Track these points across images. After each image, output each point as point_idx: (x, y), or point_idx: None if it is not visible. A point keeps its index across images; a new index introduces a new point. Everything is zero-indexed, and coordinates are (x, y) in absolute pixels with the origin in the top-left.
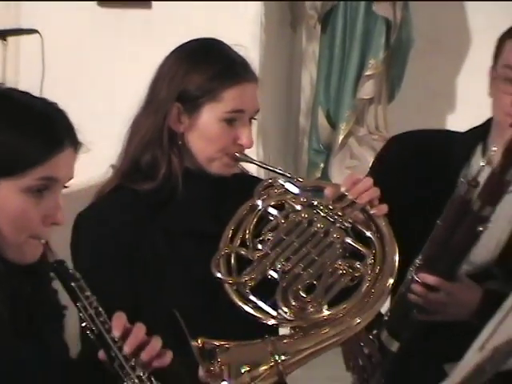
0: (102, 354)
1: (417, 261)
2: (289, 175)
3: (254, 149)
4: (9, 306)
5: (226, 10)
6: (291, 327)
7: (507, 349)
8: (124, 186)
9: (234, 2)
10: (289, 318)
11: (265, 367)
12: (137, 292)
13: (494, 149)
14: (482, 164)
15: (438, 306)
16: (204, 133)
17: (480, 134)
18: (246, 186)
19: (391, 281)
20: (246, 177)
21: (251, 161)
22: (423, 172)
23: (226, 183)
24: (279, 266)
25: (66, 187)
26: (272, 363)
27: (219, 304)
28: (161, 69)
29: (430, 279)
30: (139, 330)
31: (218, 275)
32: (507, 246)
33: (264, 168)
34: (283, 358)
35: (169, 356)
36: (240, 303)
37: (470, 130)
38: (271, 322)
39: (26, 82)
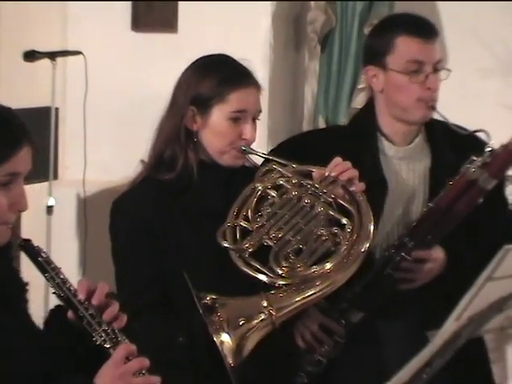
0: (70, 314)
1: (407, 243)
2: (284, 162)
3: (265, 148)
4: None
5: (241, 33)
6: (284, 284)
7: (479, 319)
8: (150, 177)
9: (247, 27)
10: (281, 276)
11: (260, 318)
12: (162, 260)
13: (492, 142)
14: (488, 149)
15: (427, 274)
16: (214, 130)
17: (368, 120)
18: (252, 175)
19: (367, 245)
20: (253, 168)
21: (253, 152)
22: None
23: (234, 172)
24: (273, 234)
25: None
26: (266, 315)
27: (228, 269)
28: (179, 80)
29: (424, 254)
30: (102, 289)
31: (224, 244)
32: (418, 221)
33: (264, 157)
34: (276, 309)
35: (124, 319)
36: (242, 266)
37: (355, 117)
38: (267, 280)
39: (72, 98)
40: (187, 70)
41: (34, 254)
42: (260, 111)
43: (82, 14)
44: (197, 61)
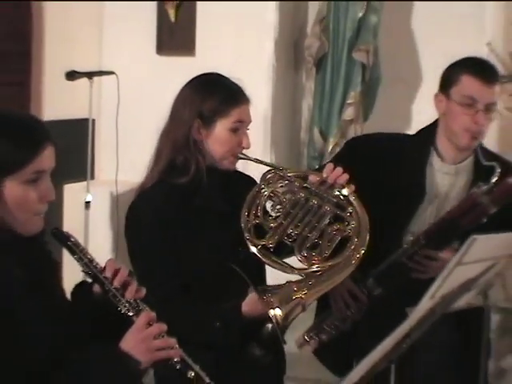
0: (96, 288)
1: (414, 240)
2: (281, 168)
3: (268, 156)
4: (22, 266)
5: (249, 57)
6: (305, 274)
7: (450, 297)
8: (163, 181)
9: (254, 52)
10: (302, 268)
11: (295, 299)
12: (178, 252)
13: (498, 171)
14: (494, 180)
15: (437, 270)
16: (217, 139)
17: (428, 137)
18: (239, 178)
19: (367, 233)
20: (238, 172)
21: (249, 158)
22: (379, 170)
23: (230, 175)
24: (291, 231)
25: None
26: (298, 297)
27: (232, 257)
28: (181, 96)
29: (439, 255)
30: (124, 271)
31: (252, 249)
32: (432, 226)
33: (261, 163)
34: (304, 293)
35: (144, 291)
36: (265, 260)
37: (419, 132)
38: (289, 272)
39: (106, 111)
40: (189, 86)
41: (64, 239)
42: (250, 122)
43: (114, 40)
44: (195, 79)
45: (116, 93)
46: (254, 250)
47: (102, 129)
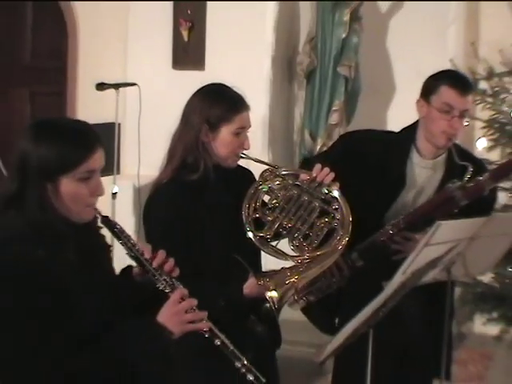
0: (138, 269)
1: (395, 223)
2: (276, 166)
3: (266, 154)
4: (78, 250)
5: (251, 71)
6: (297, 261)
7: (419, 273)
8: (176, 179)
9: (255, 67)
10: (295, 256)
11: (288, 284)
12: (189, 240)
13: (471, 170)
14: (467, 178)
15: (410, 249)
16: (222, 142)
17: (409, 135)
18: (239, 172)
19: (350, 225)
20: (238, 166)
21: (249, 158)
22: (367, 161)
23: (231, 172)
24: (285, 224)
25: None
26: (291, 281)
27: (236, 244)
28: (192, 102)
29: (414, 236)
30: (162, 253)
31: (250, 235)
32: (410, 212)
33: (259, 162)
34: (296, 278)
35: (178, 270)
36: (264, 249)
37: (402, 130)
38: (284, 259)
39: (130, 116)
40: (197, 95)
41: (112, 226)
42: (250, 126)
43: (137, 56)
44: (203, 88)
45: (138, 101)
46: (254, 239)
47: (127, 131)
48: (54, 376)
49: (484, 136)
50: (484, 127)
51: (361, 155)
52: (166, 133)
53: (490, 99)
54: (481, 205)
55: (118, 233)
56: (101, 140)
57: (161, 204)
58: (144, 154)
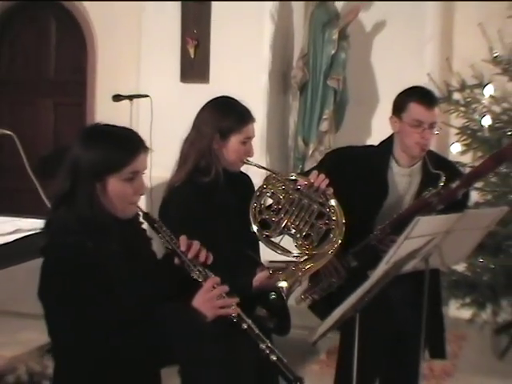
0: (176, 260)
1: (382, 228)
2: (276, 172)
3: (264, 157)
4: (122, 242)
5: (250, 84)
6: (299, 257)
7: (400, 263)
8: (189, 181)
9: (253, 80)
10: (296, 253)
11: (295, 276)
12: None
13: (443, 178)
14: (441, 185)
15: None
16: (230, 149)
17: (387, 148)
18: (240, 177)
19: (343, 228)
20: (240, 172)
21: (255, 164)
22: (353, 174)
23: (235, 176)
24: (290, 224)
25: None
26: (297, 274)
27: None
28: (204, 113)
29: (395, 238)
30: (196, 245)
31: (256, 233)
32: (394, 218)
33: (261, 168)
34: (301, 271)
35: (211, 259)
36: (270, 246)
37: (380, 144)
38: (288, 256)
39: (143, 124)
40: (208, 107)
41: (152, 221)
42: (254, 136)
43: (148, 71)
44: (212, 101)
45: (150, 110)
46: (258, 234)
47: None
48: (99, 349)
49: (457, 141)
50: (457, 133)
51: (346, 170)
52: (175, 138)
53: (462, 108)
54: (455, 204)
55: (158, 228)
56: (145, 144)
57: (177, 204)
58: (155, 157)
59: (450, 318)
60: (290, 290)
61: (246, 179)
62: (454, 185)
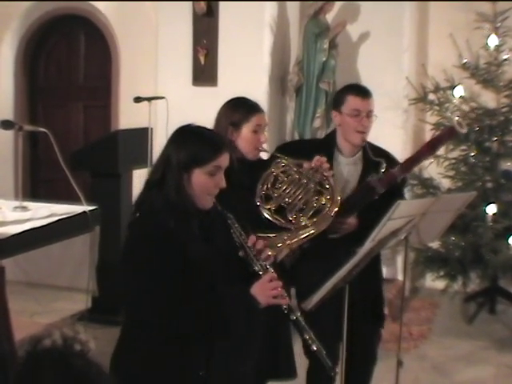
0: (241, 253)
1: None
2: (286, 158)
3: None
4: (200, 227)
5: (253, 87)
6: (294, 227)
7: (384, 240)
8: None
9: (256, 83)
10: (292, 223)
11: (284, 244)
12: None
13: (384, 165)
14: (382, 171)
15: (345, 230)
16: (244, 139)
17: (332, 140)
18: (258, 163)
19: (336, 208)
20: (258, 160)
21: (267, 150)
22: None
23: (252, 162)
24: (287, 199)
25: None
26: (287, 242)
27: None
28: (220, 110)
29: (345, 220)
30: (260, 243)
31: (259, 204)
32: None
33: (272, 154)
34: (292, 240)
35: (271, 257)
36: (268, 216)
37: (325, 137)
38: (283, 224)
39: (160, 123)
40: (225, 105)
41: (226, 217)
42: (267, 124)
43: (165, 76)
44: (228, 101)
45: (166, 110)
46: (261, 208)
47: (157, 134)
48: (170, 316)
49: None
50: (432, 129)
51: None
52: None
53: (436, 107)
54: (395, 188)
55: (230, 223)
56: (227, 144)
57: None
58: None
59: (426, 288)
60: (276, 257)
61: (263, 163)
62: (394, 170)
